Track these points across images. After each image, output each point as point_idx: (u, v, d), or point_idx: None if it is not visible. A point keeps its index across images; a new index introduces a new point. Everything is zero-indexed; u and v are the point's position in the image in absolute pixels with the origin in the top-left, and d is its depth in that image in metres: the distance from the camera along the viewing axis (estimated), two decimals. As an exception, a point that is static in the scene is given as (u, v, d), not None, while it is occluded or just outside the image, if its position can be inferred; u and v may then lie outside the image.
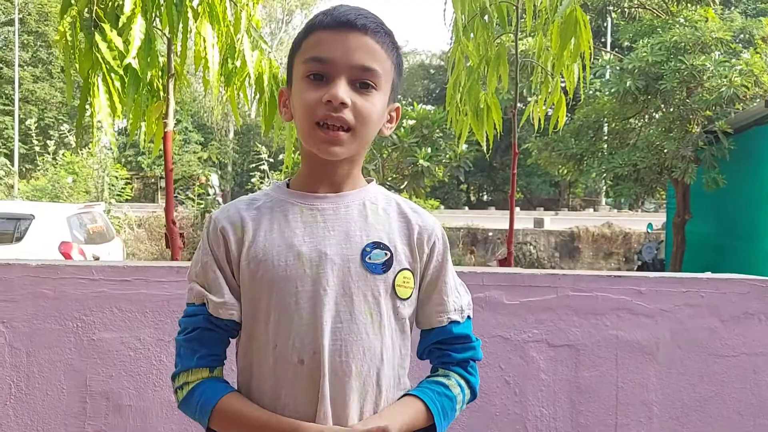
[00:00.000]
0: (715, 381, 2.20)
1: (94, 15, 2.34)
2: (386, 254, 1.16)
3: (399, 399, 1.18)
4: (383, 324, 1.15)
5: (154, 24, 2.49)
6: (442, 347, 1.24)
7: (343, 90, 1.11)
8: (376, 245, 1.16)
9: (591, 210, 29.45)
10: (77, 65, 2.34)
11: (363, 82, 1.13)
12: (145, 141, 2.86)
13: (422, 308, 1.23)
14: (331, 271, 1.12)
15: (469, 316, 1.26)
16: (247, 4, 2.60)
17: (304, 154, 1.21)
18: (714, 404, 2.20)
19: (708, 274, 2.27)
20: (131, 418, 2.11)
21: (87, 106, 2.42)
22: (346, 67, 1.12)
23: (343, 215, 1.17)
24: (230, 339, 1.21)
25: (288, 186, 1.23)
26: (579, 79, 3.17)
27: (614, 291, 2.18)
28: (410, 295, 1.19)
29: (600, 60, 10.42)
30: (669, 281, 2.21)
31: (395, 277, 1.16)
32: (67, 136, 16.32)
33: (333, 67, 1.12)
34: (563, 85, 3.42)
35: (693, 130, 8.61)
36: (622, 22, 11.51)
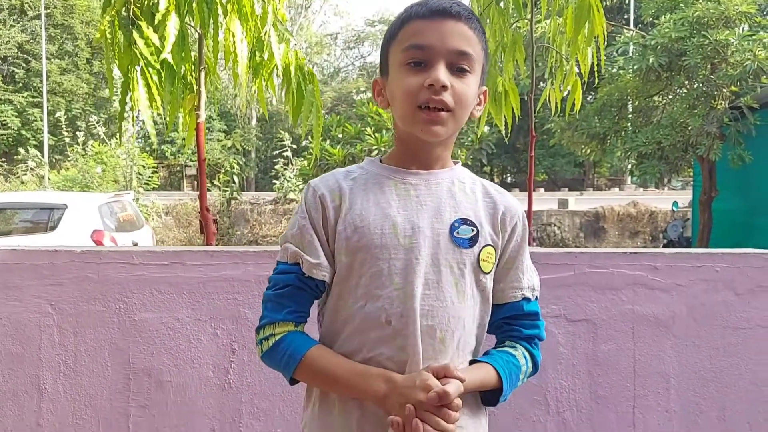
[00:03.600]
0: (730, 353, 2.26)
1: (131, 14, 2.46)
2: (473, 230, 1.23)
3: (470, 364, 1.24)
4: (466, 294, 1.22)
5: (187, 21, 2.61)
6: (511, 322, 1.30)
7: (443, 74, 1.18)
8: (464, 221, 1.23)
9: (616, 189, 29.19)
10: (117, 61, 2.46)
11: (459, 67, 1.20)
12: (180, 132, 2.98)
13: (498, 284, 1.29)
14: (423, 243, 1.19)
15: (537, 297, 1.33)
16: (273, 0, 2.70)
17: (400, 136, 1.28)
18: (729, 375, 2.27)
19: (722, 249, 2.32)
20: (172, 393, 2.24)
21: (127, 98, 2.54)
22: (444, 52, 1.19)
23: (434, 192, 1.25)
24: (315, 300, 1.28)
25: (381, 162, 1.31)
26: (594, 62, 3.22)
27: (630, 267, 2.25)
28: (491, 270, 1.26)
29: (622, 37, 10.32)
30: (684, 257, 2.27)
31: (480, 252, 1.23)
32: (95, 127, 16.61)
33: (432, 52, 1.19)
34: (578, 68, 3.46)
35: (718, 106, 8.53)
36: (645, -2, 11.38)
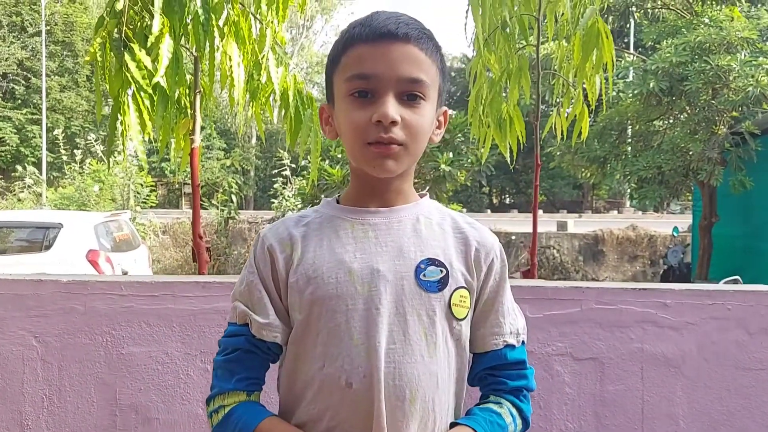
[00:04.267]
0: (742, 394, 2.18)
1: (123, 35, 2.39)
2: (442, 271, 1.10)
3: (450, 428, 1.11)
4: (438, 345, 1.09)
5: (182, 43, 2.54)
6: (495, 373, 1.17)
7: (392, 107, 1.05)
8: (431, 262, 1.10)
9: (615, 212, 29.18)
10: (107, 84, 2.39)
11: (411, 94, 1.07)
12: (173, 157, 2.91)
13: (477, 330, 1.16)
14: (384, 289, 1.07)
15: (523, 341, 1.19)
16: (271, 22, 2.64)
17: (354, 171, 1.16)
18: (741, 418, 2.18)
19: (735, 286, 2.24)
20: (160, 431, 2.15)
21: (118, 124, 2.48)
22: (393, 82, 1.06)
23: (396, 230, 1.12)
24: (270, 364, 1.16)
25: (338, 202, 1.18)
26: (601, 89, 3.16)
27: (639, 304, 2.17)
28: (466, 315, 1.13)
29: (623, 61, 10.34)
30: (695, 294, 2.19)
31: (451, 296, 1.10)
32: (93, 145, 16.58)
33: (378, 82, 1.06)
34: (585, 93, 3.42)
35: (719, 132, 8.52)
36: (646, 23, 11.41)
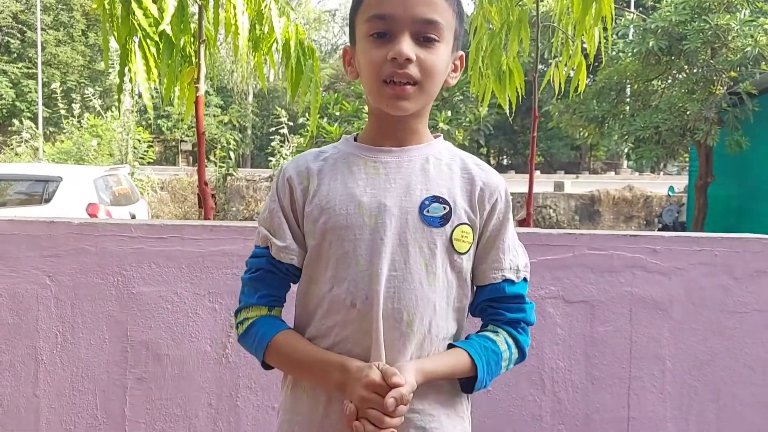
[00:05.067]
0: (726, 336, 2.27)
1: (130, -17, 2.42)
2: (445, 208, 1.17)
3: (447, 350, 1.19)
4: (438, 276, 1.17)
5: (187, -9, 2.57)
6: (494, 305, 1.24)
7: (407, 46, 1.12)
8: (435, 199, 1.17)
9: (612, 173, 29.25)
10: (114, 33, 2.43)
11: (426, 36, 1.14)
12: (177, 105, 2.95)
13: (478, 265, 1.23)
14: (390, 222, 1.15)
15: (525, 278, 1.26)
16: (273, -29, 2.66)
17: (372, 110, 1.24)
18: (725, 358, 2.28)
19: (723, 234, 2.32)
20: (169, 367, 2.24)
21: (126, 70, 2.51)
22: (408, 22, 1.12)
23: (405, 169, 1.20)
24: (291, 284, 1.26)
25: (356, 140, 1.26)
26: (600, 42, 3.19)
27: (629, 249, 2.25)
28: (468, 250, 1.20)
29: (623, 20, 10.27)
30: (684, 240, 2.27)
31: (453, 231, 1.17)
32: (91, 100, 16.48)
33: (395, 23, 1.13)
34: (584, 47, 3.44)
35: (717, 92, 8.53)
36: (647, -19, 11.31)
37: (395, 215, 1.16)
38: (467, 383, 1.20)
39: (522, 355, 1.26)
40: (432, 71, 1.15)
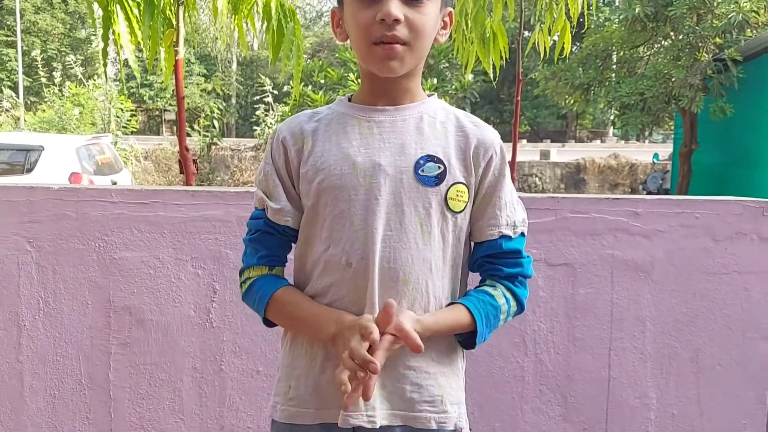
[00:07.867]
0: (706, 297, 2.30)
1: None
2: (439, 167, 1.17)
3: (446, 306, 1.21)
4: (433, 235, 1.17)
5: (166, -50, 2.52)
6: (492, 261, 1.25)
7: (395, 6, 1.11)
8: (430, 158, 1.17)
9: (598, 141, 29.28)
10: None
11: None
12: (160, 69, 2.91)
13: (476, 222, 1.24)
14: (384, 182, 1.16)
15: (522, 233, 1.26)
16: (252, -70, 2.61)
17: (363, 72, 1.23)
18: (705, 319, 2.31)
19: (704, 197, 2.34)
20: (153, 332, 2.24)
21: (108, 35, 2.47)
22: None
23: (399, 128, 1.20)
24: (292, 244, 1.27)
25: (350, 100, 1.26)
26: (584, 7, 3.17)
27: (611, 212, 2.26)
28: (464, 209, 1.20)
29: (610, -14, 10.20)
30: (665, 203, 2.28)
31: (448, 190, 1.18)
32: (72, 68, 16.20)
33: None
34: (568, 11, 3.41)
35: (702, 58, 8.52)
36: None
37: (390, 175, 1.16)
38: (467, 340, 1.22)
39: (521, 308, 1.27)
40: (421, 31, 1.15)
